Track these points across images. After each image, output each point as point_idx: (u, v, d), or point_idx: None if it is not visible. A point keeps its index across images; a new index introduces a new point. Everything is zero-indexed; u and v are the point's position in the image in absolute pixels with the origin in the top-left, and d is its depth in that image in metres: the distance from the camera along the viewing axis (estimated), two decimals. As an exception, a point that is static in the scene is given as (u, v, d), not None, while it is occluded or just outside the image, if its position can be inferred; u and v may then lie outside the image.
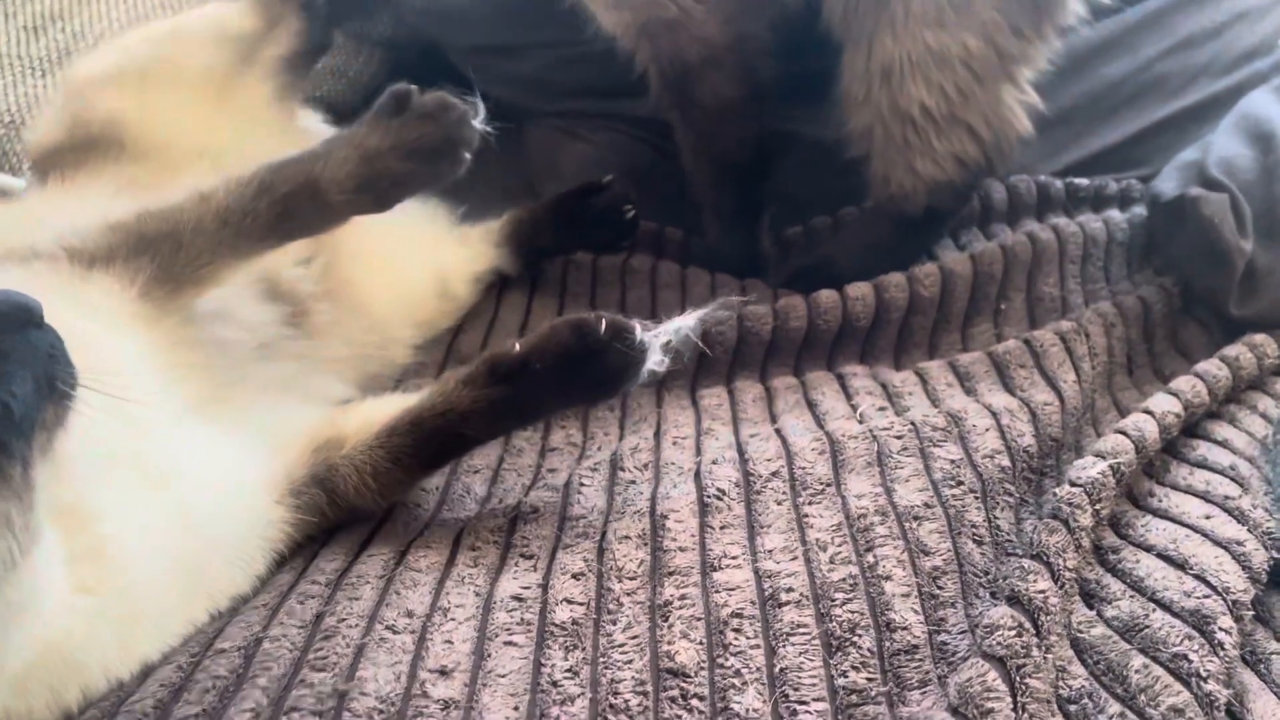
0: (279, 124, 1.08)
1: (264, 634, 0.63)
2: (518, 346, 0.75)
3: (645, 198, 1.17)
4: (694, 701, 0.58)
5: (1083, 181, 1.19)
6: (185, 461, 0.72)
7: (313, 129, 1.12)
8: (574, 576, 0.67)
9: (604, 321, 0.72)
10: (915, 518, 0.70)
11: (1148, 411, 0.81)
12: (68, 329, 0.61)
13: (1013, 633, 0.59)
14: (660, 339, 0.75)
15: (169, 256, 0.77)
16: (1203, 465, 0.78)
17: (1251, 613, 0.65)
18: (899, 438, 0.78)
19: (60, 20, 1.37)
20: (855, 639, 0.61)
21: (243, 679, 0.59)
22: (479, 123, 0.82)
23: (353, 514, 0.77)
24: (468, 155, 0.82)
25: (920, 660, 0.60)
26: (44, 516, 0.59)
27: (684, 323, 0.76)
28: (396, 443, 0.76)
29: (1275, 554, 0.69)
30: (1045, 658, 0.59)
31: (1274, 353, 0.91)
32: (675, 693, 0.58)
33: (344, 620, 0.63)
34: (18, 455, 0.56)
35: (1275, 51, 1.25)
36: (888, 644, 0.61)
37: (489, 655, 0.60)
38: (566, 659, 0.60)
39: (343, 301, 0.94)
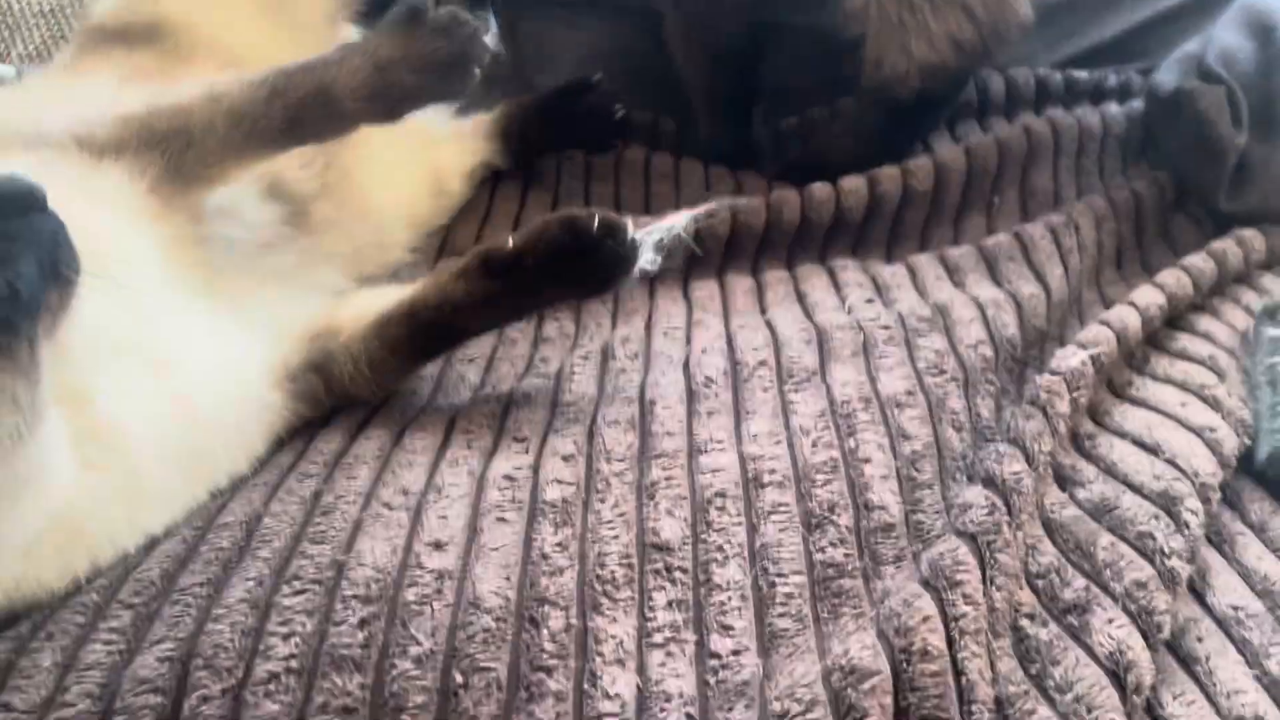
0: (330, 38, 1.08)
1: (264, 510, 0.66)
2: (511, 241, 0.76)
3: (642, 88, 1.17)
4: (677, 574, 0.60)
5: (1082, 74, 1.20)
6: (186, 348, 0.74)
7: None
8: (564, 459, 0.69)
9: (596, 218, 0.74)
10: (897, 405, 0.73)
11: (1131, 303, 0.83)
12: (74, 217, 0.63)
13: (985, 511, 0.62)
14: (653, 237, 0.77)
15: (179, 153, 0.79)
16: (1182, 356, 0.81)
17: (1219, 495, 0.68)
18: (885, 328, 0.81)
19: None
20: (834, 518, 0.64)
21: (244, 551, 0.62)
22: (490, 39, 0.83)
23: (349, 400, 0.79)
24: (478, 71, 0.83)
25: (896, 538, 0.63)
26: (49, 396, 0.61)
27: (676, 221, 0.79)
28: (391, 333, 0.78)
29: (1247, 440, 0.72)
30: (1015, 535, 0.63)
31: (1261, 247, 0.92)
32: (660, 565, 0.61)
33: (341, 497, 0.66)
34: (24, 334, 0.58)
35: None
36: (865, 522, 0.64)
37: (481, 530, 0.63)
38: (556, 534, 0.63)
39: (342, 201, 0.96)
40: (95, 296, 0.64)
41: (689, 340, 0.85)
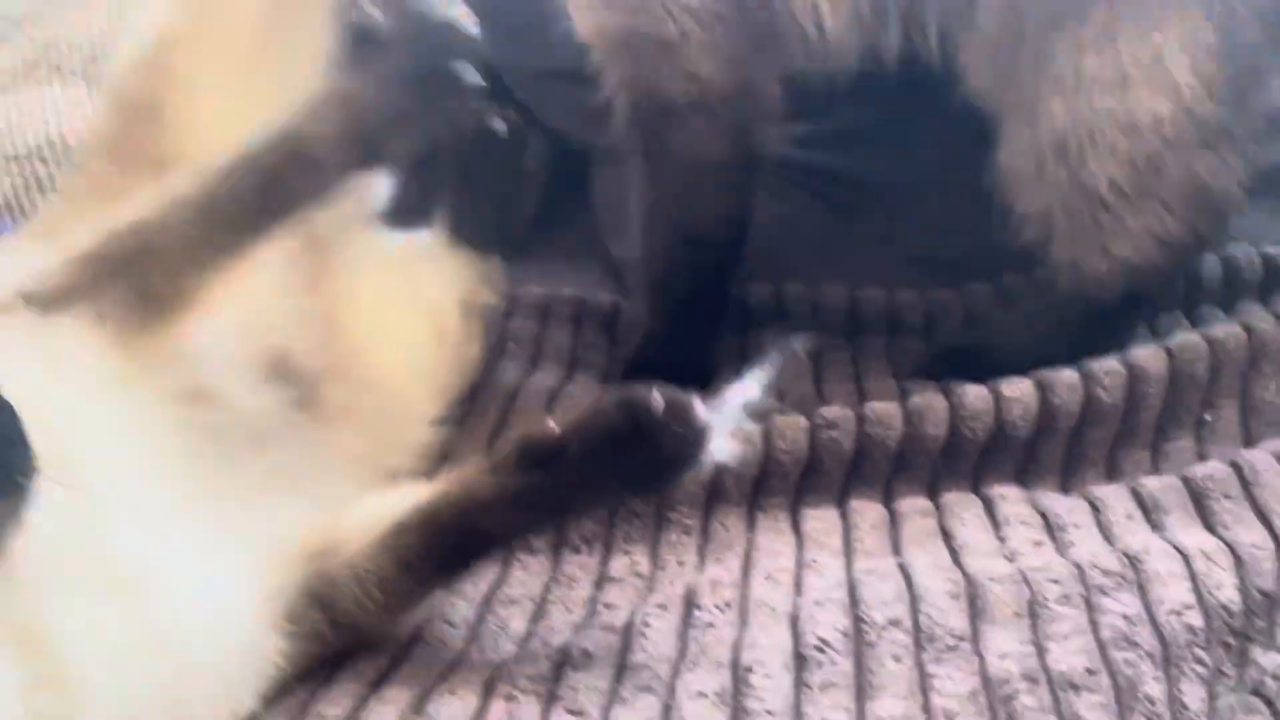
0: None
1: None
2: (555, 426, 0.81)
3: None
4: None
5: None
6: (163, 571, 0.77)
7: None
8: None
9: (660, 396, 0.78)
10: (1073, 686, 0.73)
11: None
12: (27, 397, 0.66)
13: None
14: (727, 419, 0.81)
15: (141, 273, 0.86)
16: None
17: None
18: (1057, 582, 0.82)
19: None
20: None
21: None
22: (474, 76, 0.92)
23: (358, 638, 0.83)
24: (470, 89, 0.92)
25: None
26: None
27: (748, 392, 0.82)
28: (405, 542, 0.82)
29: None
30: None
31: None
32: None
33: None
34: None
35: None
36: None
37: None
38: None
39: (352, 376, 1.03)
40: (52, 502, 0.67)
41: (798, 588, 0.87)
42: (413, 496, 0.84)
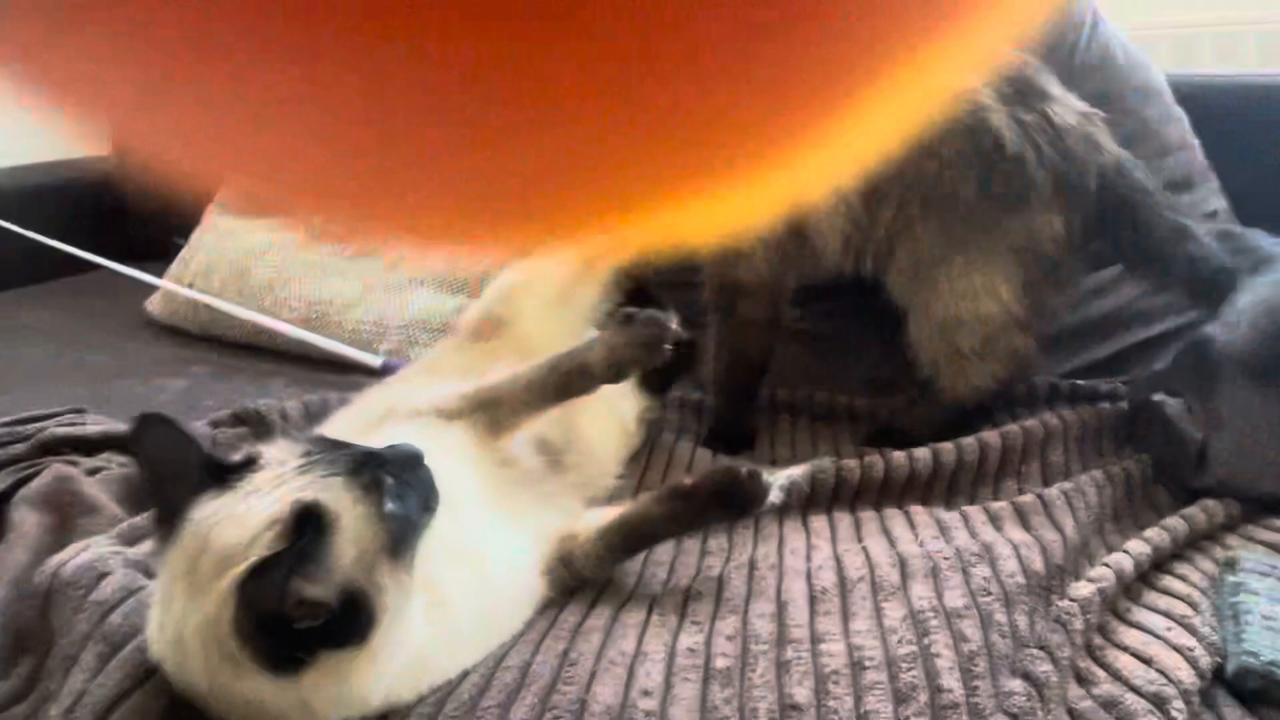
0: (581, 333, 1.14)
1: (532, 660, 0.70)
2: (690, 480, 0.83)
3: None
4: None
5: (1082, 383, 1.18)
6: (489, 548, 0.79)
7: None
8: (726, 638, 0.73)
9: (745, 469, 0.81)
10: (958, 615, 0.72)
11: (1126, 551, 0.81)
12: (434, 464, 0.70)
13: (1024, 698, 0.64)
14: (780, 482, 0.82)
15: (494, 412, 0.87)
16: (1167, 592, 0.78)
17: (1198, 699, 0.67)
18: (947, 559, 0.80)
19: (410, 258, 1.55)
20: (915, 696, 0.65)
21: (520, 687, 0.67)
22: (675, 326, 0.91)
23: (582, 584, 0.83)
24: (669, 348, 0.91)
25: (960, 713, 0.64)
26: (415, 581, 0.67)
27: (795, 472, 0.84)
28: (610, 537, 0.82)
29: (1217, 658, 0.70)
30: (1046, 717, 0.64)
31: (1221, 514, 0.88)
32: (795, 719, 0.64)
33: (582, 654, 0.70)
34: (411, 548, 0.65)
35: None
36: (937, 700, 0.65)
37: (673, 685, 0.67)
38: (722, 691, 0.67)
39: (578, 450, 1.00)
40: (441, 515, 0.69)
41: (808, 558, 0.85)
42: (615, 513, 0.84)
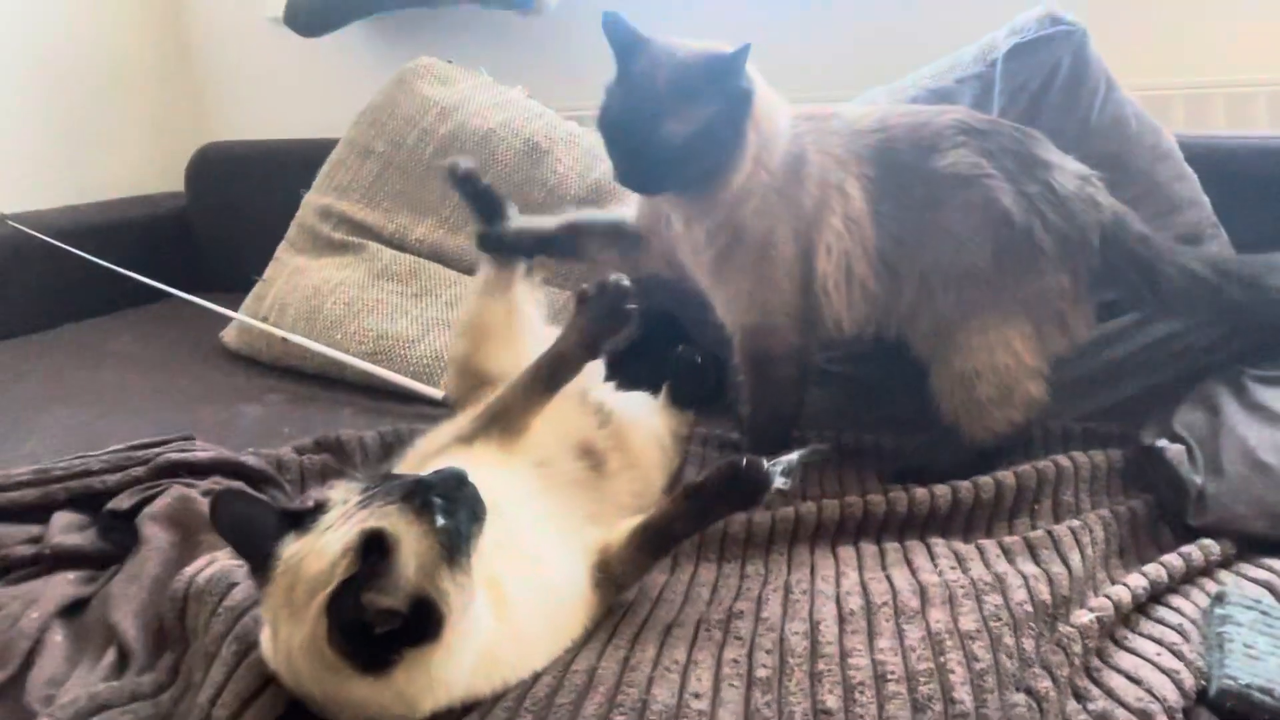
0: (548, 336, 1.19)
1: (598, 665, 0.80)
2: (700, 477, 0.89)
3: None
4: None
5: (1094, 426, 1.23)
6: (541, 547, 0.86)
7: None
8: (766, 652, 0.81)
9: (746, 459, 0.86)
10: (971, 638, 0.80)
11: (1125, 584, 0.88)
12: (483, 483, 0.78)
13: (1025, 710, 0.73)
14: (779, 467, 0.87)
15: (504, 418, 0.96)
16: (1161, 621, 0.86)
17: (1182, 716, 0.75)
18: (963, 588, 0.87)
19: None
20: (931, 705, 0.74)
21: (589, 688, 0.77)
22: (625, 283, 0.99)
23: (623, 589, 0.89)
24: (632, 307, 0.99)
25: None
26: (477, 582, 0.74)
27: (792, 455, 0.90)
28: (638, 539, 0.89)
29: (1202, 681, 0.78)
30: None
31: (1217, 552, 0.95)
32: None
33: (640, 661, 0.80)
34: (467, 555, 0.73)
35: (1229, 346, 1.26)
36: (951, 710, 0.73)
37: (720, 690, 0.77)
38: (763, 697, 0.76)
39: (627, 456, 1.06)
40: (491, 522, 0.77)
41: (838, 584, 0.92)
42: (641, 519, 0.90)
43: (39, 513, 1.04)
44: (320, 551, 0.71)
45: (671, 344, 1.32)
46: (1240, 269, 1.17)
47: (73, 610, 0.93)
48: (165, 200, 2.35)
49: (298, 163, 1.98)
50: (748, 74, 1.07)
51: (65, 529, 1.01)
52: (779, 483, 0.86)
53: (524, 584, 0.81)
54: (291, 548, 0.73)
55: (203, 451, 1.11)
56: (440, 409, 1.42)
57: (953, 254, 1.11)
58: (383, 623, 0.69)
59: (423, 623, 0.70)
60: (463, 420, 1.04)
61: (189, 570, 0.88)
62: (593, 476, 1.01)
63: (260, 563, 0.74)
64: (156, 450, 1.10)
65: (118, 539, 1.02)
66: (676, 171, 1.06)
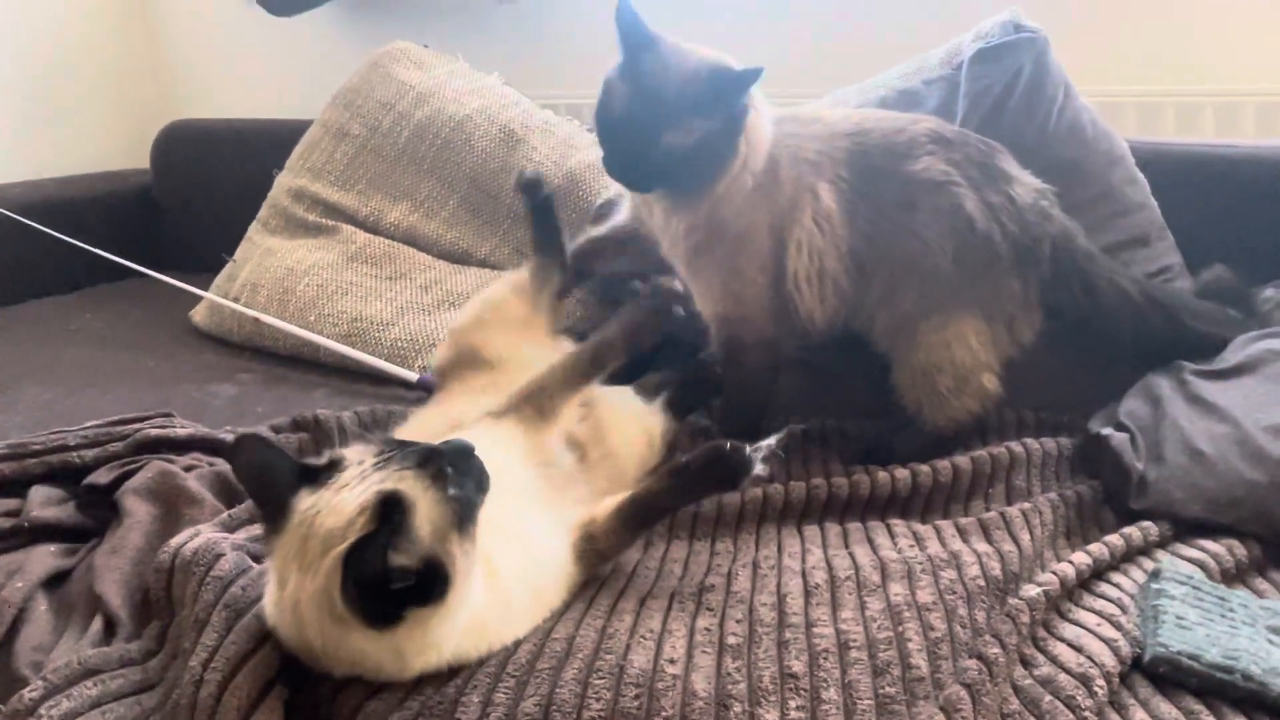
0: (552, 345, 1.25)
1: (576, 633, 0.84)
2: (685, 458, 0.94)
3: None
4: (802, 693, 0.78)
5: (1046, 415, 1.28)
6: (533, 530, 0.90)
7: (567, 345, 1.29)
8: (736, 621, 0.86)
9: (730, 444, 0.91)
10: (927, 609, 0.85)
11: (1070, 562, 0.94)
12: (487, 456, 0.82)
13: (976, 673, 0.78)
14: (760, 453, 0.91)
15: (539, 400, 0.99)
16: (1102, 596, 0.91)
17: (1118, 680, 0.81)
18: (920, 563, 0.92)
19: (440, 284, 1.67)
20: (890, 670, 0.79)
21: (569, 654, 0.81)
22: (678, 286, 1.06)
23: (606, 560, 0.93)
24: (681, 310, 1.06)
25: (925, 685, 0.78)
26: (477, 552, 0.78)
27: (769, 441, 0.93)
28: (623, 512, 0.93)
29: (1136, 649, 0.84)
30: (994, 689, 0.78)
31: (1156, 533, 1.01)
32: (791, 686, 0.78)
33: (617, 630, 0.84)
34: (472, 522, 0.78)
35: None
36: (908, 674, 0.79)
37: (693, 656, 0.81)
38: (734, 663, 0.80)
39: (603, 448, 1.09)
40: (492, 497, 0.81)
41: (804, 560, 0.95)
42: (624, 495, 0.94)
43: (15, 487, 1.06)
44: (337, 509, 0.74)
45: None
46: (1165, 299, 1.25)
47: (54, 582, 0.95)
48: (131, 177, 2.32)
49: (267, 143, 1.98)
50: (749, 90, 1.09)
51: (44, 503, 1.03)
52: (759, 468, 0.90)
53: (511, 557, 0.85)
54: (306, 502, 0.76)
55: (182, 428, 1.13)
56: (413, 390, 1.47)
57: (919, 253, 1.16)
58: (397, 580, 0.72)
59: (431, 583, 0.74)
60: (456, 395, 1.09)
61: (174, 542, 0.90)
62: (580, 466, 1.05)
63: (273, 512, 0.77)
64: (135, 426, 1.12)
65: (96, 514, 1.04)
66: (669, 177, 1.10)
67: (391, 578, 0.72)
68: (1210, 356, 1.20)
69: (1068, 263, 1.21)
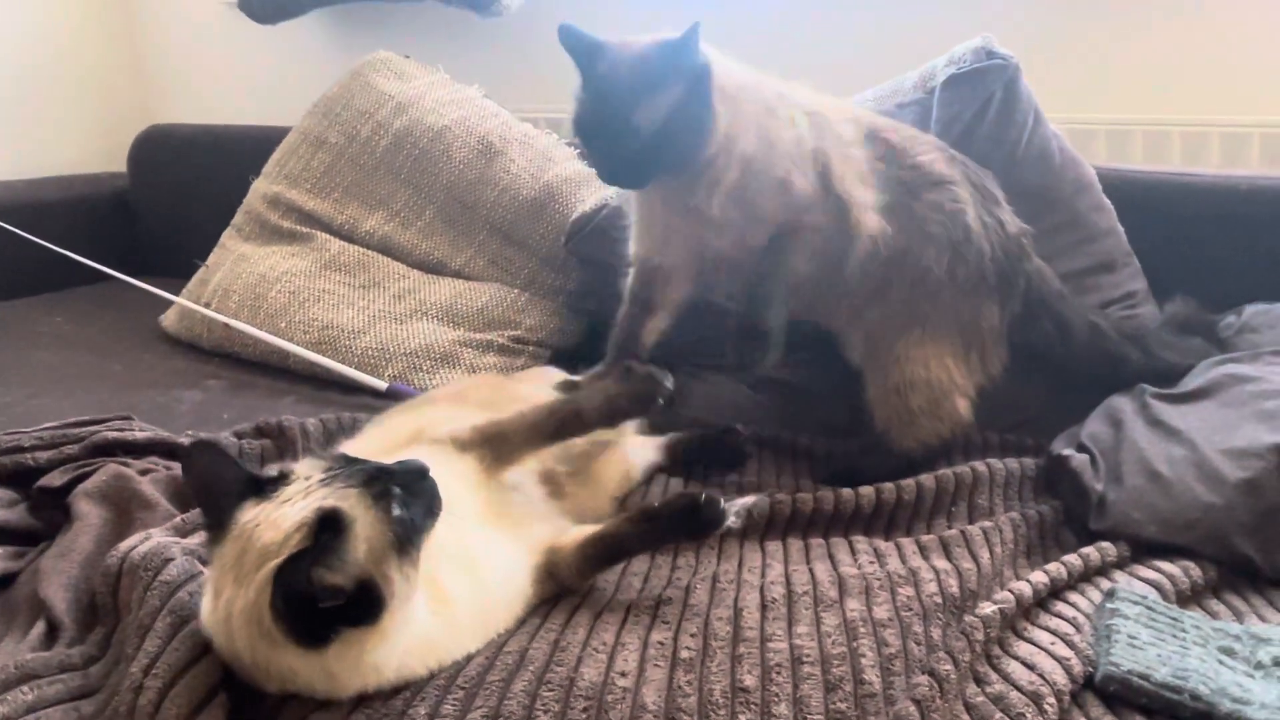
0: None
1: (529, 646, 0.83)
2: (657, 503, 0.94)
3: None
4: (753, 706, 0.77)
5: (1010, 437, 1.30)
6: (487, 556, 0.88)
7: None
8: (691, 635, 0.86)
9: (705, 495, 0.91)
10: (883, 625, 0.85)
11: (1028, 580, 0.93)
12: (442, 481, 0.80)
13: (927, 689, 0.78)
14: (735, 508, 0.93)
15: (499, 446, 0.97)
16: (1057, 615, 0.91)
17: (1069, 698, 0.80)
18: (879, 580, 0.92)
19: (414, 293, 1.67)
20: (843, 686, 0.79)
21: (519, 667, 0.80)
22: (668, 385, 1.04)
23: (565, 590, 0.93)
24: (663, 401, 1.03)
25: (877, 701, 0.78)
26: (420, 580, 0.77)
27: (748, 501, 0.96)
28: (588, 550, 0.92)
29: (1089, 668, 0.84)
30: (945, 706, 0.78)
31: (1114, 554, 1.01)
32: (743, 700, 0.78)
33: (570, 643, 0.84)
34: (417, 546, 0.76)
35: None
36: (860, 690, 0.79)
37: (645, 670, 0.81)
38: (686, 676, 0.80)
39: (581, 482, 1.09)
40: (444, 521, 0.79)
41: (763, 575, 0.95)
42: (593, 530, 0.94)
43: (-33, 489, 1.03)
44: (275, 522, 0.73)
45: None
46: (1135, 333, 1.28)
47: (0, 585, 0.93)
48: (107, 180, 2.30)
49: (245, 149, 1.98)
50: (703, 51, 1.10)
51: (-6, 504, 1.00)
52: (732, 522, 0.91)
53: (464, 587, 0.84)
54: (249, 514, 0.75)
55: (140, 431, 1.11)
56: (382, 400, 1.46)
57: (911, 249, 1.17)
58: (326, 598, 0.71)
59: (364, 605, 0.72)
60: (478, 396, 1.10)
61: (123, 545, 0.89)
62: (549, 499, 1.04)
63: (217, 521, 0.76)
64: (92, 429, 1.10)
65: (48, 516, 1.03)
66: (654, 160, 1.09)
67: (321, 596, 0.71)
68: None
69: (1038, 304, 1.24)
